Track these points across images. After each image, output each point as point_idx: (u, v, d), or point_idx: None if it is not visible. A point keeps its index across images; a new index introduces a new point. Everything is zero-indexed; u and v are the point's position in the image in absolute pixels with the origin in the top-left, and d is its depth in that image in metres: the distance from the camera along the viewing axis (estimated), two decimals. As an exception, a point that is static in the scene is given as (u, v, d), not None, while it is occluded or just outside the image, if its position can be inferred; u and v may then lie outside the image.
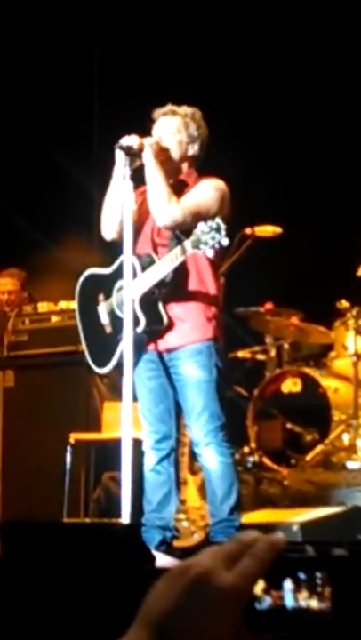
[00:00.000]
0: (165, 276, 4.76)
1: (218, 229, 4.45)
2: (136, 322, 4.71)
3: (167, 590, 0.98)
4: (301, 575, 0.97)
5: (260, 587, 0.97)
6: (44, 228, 8.23)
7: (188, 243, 4.55)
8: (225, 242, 4.47)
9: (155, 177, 4.81)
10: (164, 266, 4.72)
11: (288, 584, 0.97)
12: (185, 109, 5.03)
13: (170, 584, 0.99)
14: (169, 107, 5.04)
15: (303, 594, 0.97)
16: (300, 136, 8.33)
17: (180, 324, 4.85)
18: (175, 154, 4.96)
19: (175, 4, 8.29)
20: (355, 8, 7.96)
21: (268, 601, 0.97)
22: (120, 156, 4.82)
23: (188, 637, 0.95)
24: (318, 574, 0.97)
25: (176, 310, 4.86)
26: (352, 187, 7.96)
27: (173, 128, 4.97)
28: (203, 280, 4.87)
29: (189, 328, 4.84)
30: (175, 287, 4.83)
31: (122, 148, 4.78)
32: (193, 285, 4.87)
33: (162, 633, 0.96)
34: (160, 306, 4.83)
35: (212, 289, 4.89)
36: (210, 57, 8.30)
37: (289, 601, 0.97)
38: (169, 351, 4.88)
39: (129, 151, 4.77)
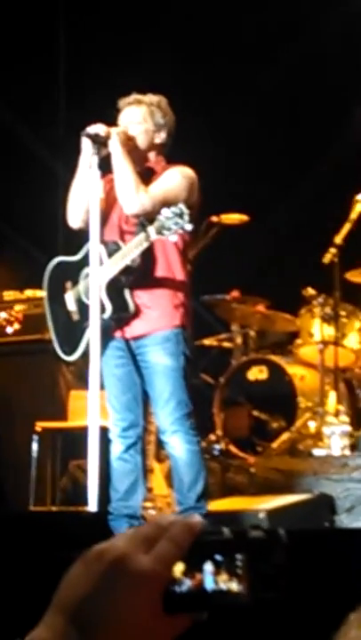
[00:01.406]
0: (132, 263, 4.75)
1: (181, 215, 4.45)
2: (102, 309, 4.70)
3: (83, 575, 0.97)
4: (219, 557, 0.96)
5: (179, 569, 0.97)
6: (9, 216, 8.18)
7: (151, 229, 4.55)
8: (188, 227, 4.48)
9: (122, 165, 4.79)
10: (130, 252, 4.71)
11: (208, 566, 0.96)
12: (150, 98, 5.01)
13: (85, 569, 0.97)
14: (134, 96, 5.02)
15: (223, 576, 0.96)
16: (268, 124, 8.33)
17: (146, 312, 4.84)
18: (142, 143, 4.94)
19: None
20: None
21: (187, 583, 0.96)
22: (87, 144, 4.80)
23: (106, 622, 0.94)
24: (238, 557, 0.96)
25: (143, 298, 4.85)
26: (319, 174, 7.98)
27: (139, 117, 4.96)
28: (170, 267, 4.87)
29: (156, 315, 4.84)
30: (142, 274, 4.82)
31: (89, 135, 4.76)
32: (160, 273, 4.86)
33: (78, 619, 0.94)
34: (126, 293, 4.83)
35: (179, 276, 4.88)
36: (178, 41, 8.28)
37: (209, 583, 0.96)
38: (136, 339, 4.87)
39: (96, 139, 4.75)
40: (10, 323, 6.65)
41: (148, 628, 0.95)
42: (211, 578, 0.96)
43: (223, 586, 0.96)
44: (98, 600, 0.94)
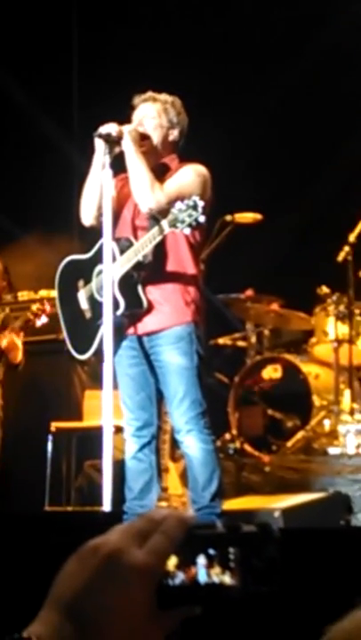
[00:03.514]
0: (144, 259, 4.76)
1: (195, 207, 4.45)
2: (115, 305, 4.70)
3: (77, 570, 0.96)
4: (212, 551, 0.97)
5: (172, 563, 0.97)
6: (23, 217, 8.19)
7: (165, 222, 4.56)
8: (202, 219, 4.48)
9: (136, 164, 4.80)
10: (143, 247, 4.72)
11: (202, 560, 0.97)
12: (165, 97, 5.04)
13: (80, 564, 0.97)
14: (149, 93, 5.05)
15: (216, 570, 0.96)
16: (281, 123, 8.32)
17: (158, 307, 4.84)
18: (156, 138, 4.95)
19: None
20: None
21: (180, 577, 0.97)
22: (99, 144, 4.81)
23: (101, 617, 0.94)
24: (231, 550, 0.97)
25: (154, 294, 4.85)
26: (333, 173, 7.97)
27: (154, 112, 4.98)
28: (181, 263, 4.87)
29: (168, 311, 4.83)
30: (154, 271, 4.83)
31: (101, 135, 4.76)
32: (171, 268, 4.86)
33: (73, 614, 0.94)
34: (139, 289, 4.83)
35: (190, 272, 4.88)
36: (193, 42, 8.29)
37: (202, 577, 0.97)
38: (148, 335, 4.87)
39: (108, 139, 4.75)
40: (37, 316, 6.63)
41: (143, 621, 0.95)
42: (204, 571, 0.96)
43: (216, 579, 0.96)
44: (92, 595, 0.94)
